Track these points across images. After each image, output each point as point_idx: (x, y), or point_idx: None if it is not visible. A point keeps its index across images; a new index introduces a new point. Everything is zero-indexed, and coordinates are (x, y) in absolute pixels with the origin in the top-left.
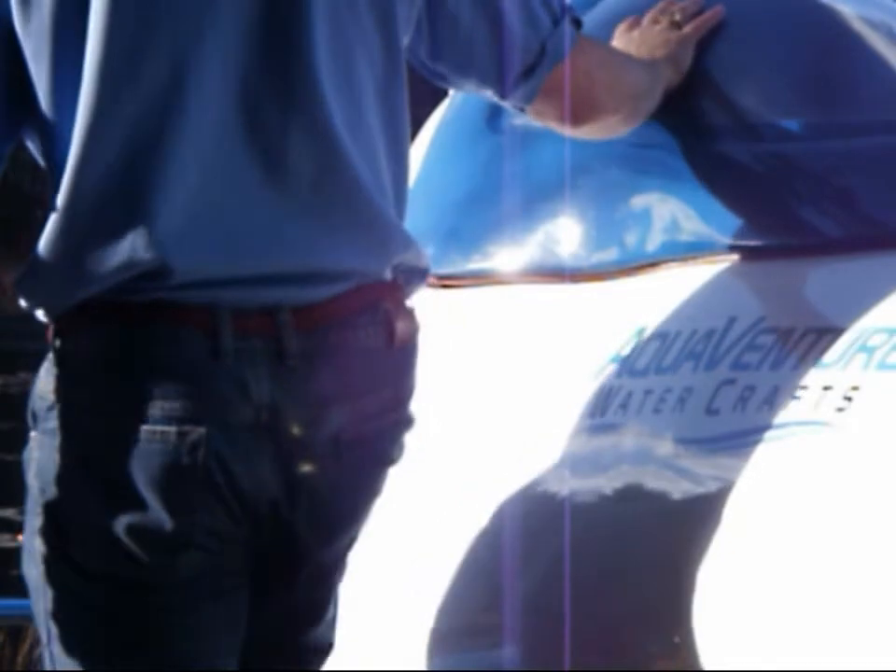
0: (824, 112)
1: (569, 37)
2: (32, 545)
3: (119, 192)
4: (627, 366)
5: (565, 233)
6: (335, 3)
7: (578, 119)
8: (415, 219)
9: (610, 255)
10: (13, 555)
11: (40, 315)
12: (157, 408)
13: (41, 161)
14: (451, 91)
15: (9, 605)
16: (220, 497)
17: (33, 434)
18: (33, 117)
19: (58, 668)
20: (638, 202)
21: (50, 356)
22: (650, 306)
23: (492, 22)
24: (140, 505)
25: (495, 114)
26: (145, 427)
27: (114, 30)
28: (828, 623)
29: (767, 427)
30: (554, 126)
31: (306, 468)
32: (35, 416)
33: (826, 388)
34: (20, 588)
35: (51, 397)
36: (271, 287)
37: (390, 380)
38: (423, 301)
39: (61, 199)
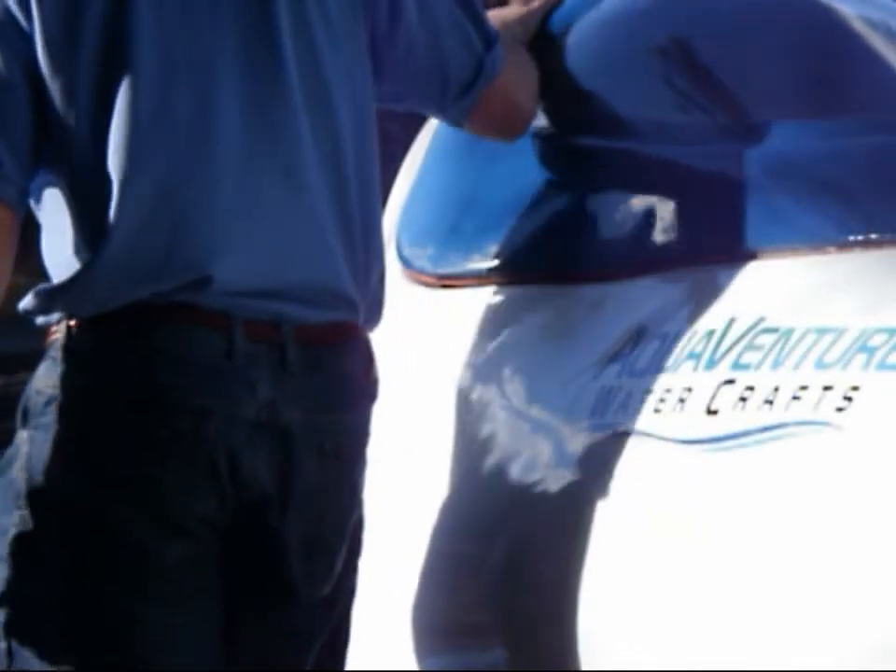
0: (823, 112)
1: (500, 57)
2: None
3: (162, 213)
4: (627, 366)
5: (565, 233)
6: (303, 21)
7: (514, 130)
8: (415, 219)
9: (610, 255)
10: None
11: (54, 318)
12: (172, 398)
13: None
14: None
15: None
16: (219, 486)
17: (21, 433)
18: (55, 152)
19: (18, 666)
20: (639, 202)
21: (55, 352)
22: (650, 306)
23: (433, 44)
24: (141, 492)
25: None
26: (156, 416)
27: (147, 65)
28: (829, 622)
29: (767, 427)
30: (495, 138)
31: (296, 467)
32: (26, 413)
33: (826, 388)
34: None
35: (50, 391)
36: (280, 302)
37: (363, 407)
38: (423, 301)
39: (104, 219)
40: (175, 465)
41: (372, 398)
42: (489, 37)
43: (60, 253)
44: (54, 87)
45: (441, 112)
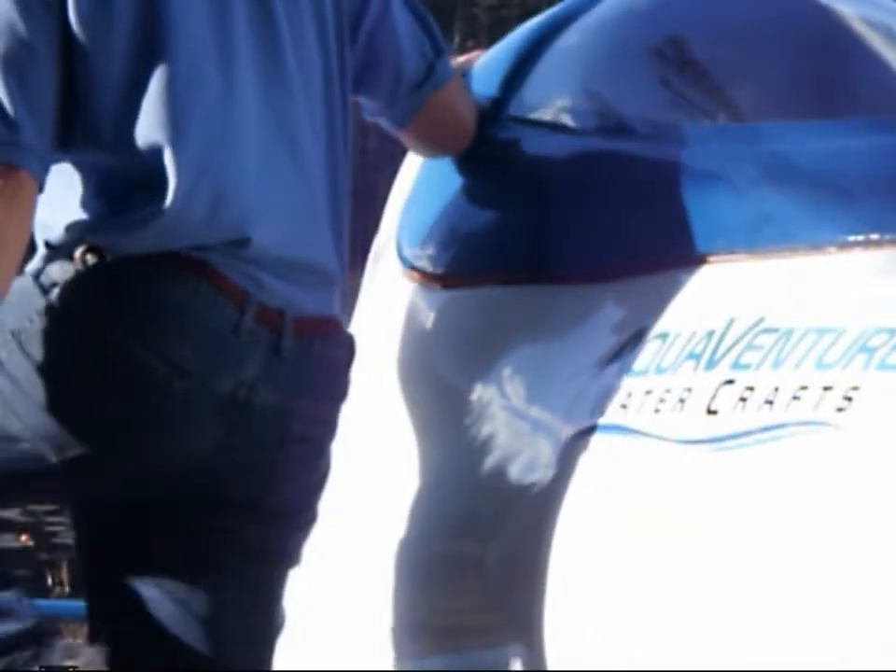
0: (823, 112)
1: (449, 68)
2: None
3: (202, 184)
4: (627, 366)
5: (565, 234)
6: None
7: (453, 144)
8: (416, 219)
9: (610, 255)
10: (15, 555)
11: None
12: (163, 346)
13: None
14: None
15: None
16: (168, 440)
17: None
18: (85, 121)
19: None
20: (640, 202)
21: (56, 277)
22: (650, 306)
23: (391, 39)
24: (102, 430)
25: (495, 114)
26: (141, 356)
27: (180, 42)
28: (829, 622)
29: (767, 427)
30: (428, 152)
31: (257, 444)
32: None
33: (826, 388)
34: (21, 588)
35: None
36: (291, 285)
37: (340, 397)
38: (423, 301)
39: (155, 184)
40: (144, 412)
41: (347, 391)
42: (439, 48)
43: (95, 199)
44: (88, 62)
45: (390, 107)
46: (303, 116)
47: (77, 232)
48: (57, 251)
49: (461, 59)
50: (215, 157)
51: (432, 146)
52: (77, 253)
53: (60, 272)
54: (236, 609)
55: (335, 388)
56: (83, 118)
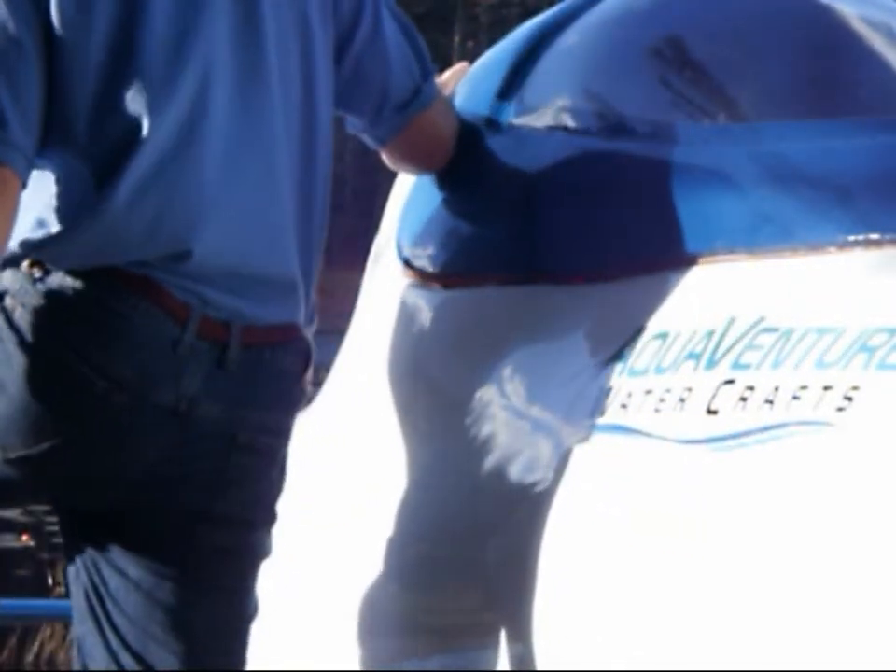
0: (823, 112)
1: (435, 90)
2: None
3: (154, 184)
4: (627, 366)
5: (565, 234)
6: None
7: (431, 162)
8: (416, 219)
9: (611, 255)
10: (16, 556)
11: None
12: (103, 360)
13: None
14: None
15: (13, 605)
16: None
17: None
18: (60, 117)
19: None
20: (639, 202)
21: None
22: (650, 306)
23: (380, 59)
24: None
25: (495, 114)
26: (81, 370)
27: (157, 43)
28: (829, 622)
29: (767, 427)
30: (404, 169)
31: (202, 455)
32: None
33: (826, 388)
34: (23, 588)
35: None
36: (238, 297)
37: (292, 406)
38: (423, 301)
39: (101, 196)
40: (80, 422)
41: (301, 400)
42: (427, 70)
43: (44, 212)
44: (66, 61)
45: (373, 125)
46: (279, 129)
47: (24, 244)
48: (9, 260)
49: (446, 75)
50: (165, 169)
51: (409, 163)
52: (24, 265)
53: (10, 280)
54: (199, 603)
55: (286, 397)
56: (58, 118)
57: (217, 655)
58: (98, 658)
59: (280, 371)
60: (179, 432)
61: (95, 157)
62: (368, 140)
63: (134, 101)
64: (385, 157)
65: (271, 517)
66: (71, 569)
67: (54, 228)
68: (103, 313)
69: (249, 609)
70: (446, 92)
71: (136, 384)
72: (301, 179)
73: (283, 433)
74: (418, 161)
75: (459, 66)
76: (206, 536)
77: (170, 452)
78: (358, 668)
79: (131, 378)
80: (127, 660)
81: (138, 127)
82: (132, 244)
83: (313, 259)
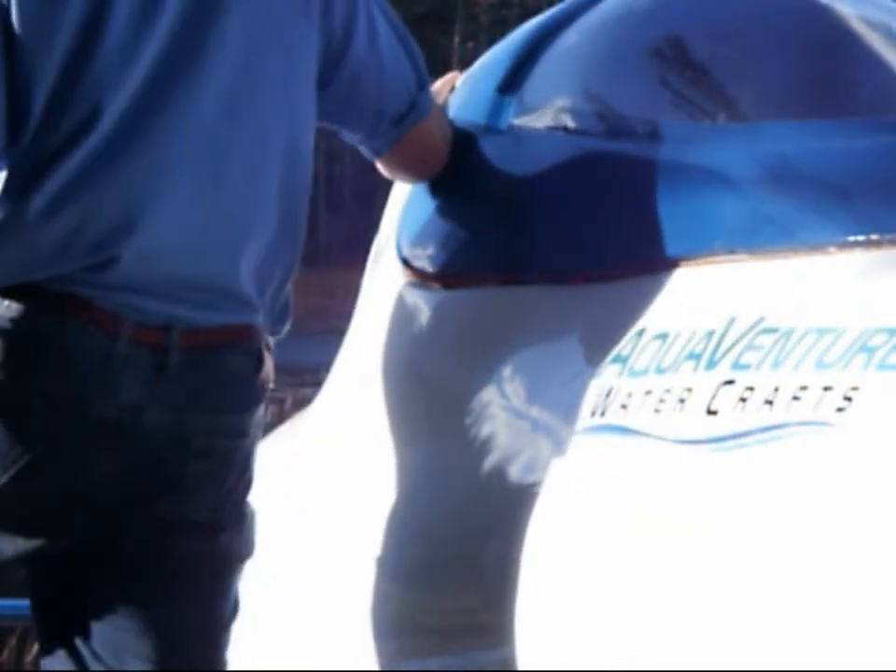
0: (823, 112)
1: (430, 100)
2: None
3: (82, 188)
4: (627, 366)
5: (565, 233)
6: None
7: (425, 171)
8: (416, 219)
9: (611, 256)
10: None
11: None
12: (36, 381)
13: None
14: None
15: (13, 605)
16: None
17: None
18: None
19: None
20: (639, 202)
21: None
22: (650, 306)
23: (376, 75)
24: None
25: (495, 114)
26: (16, 390)
27: (113, 49)
28: (829, 622)
29: (767, 427)
30: (398, 178)
31: (156, 464)
32: None
33: (826, 388)
34: (23, 589)
35: None
36: (172, 303)
37: (247, 408)
38: (423, 301)
39: (19, 210)
40: (20, 443)
41: (259, 400)
42: (422, 80)
43: None
44: (24, 64)
45: (369, 139)
46: (233, 137)
47: None
48: None
49: (437, 83)
50: (93, 177)
51: (404, 173)
52: None
53: None
54: (173, 611)
55: (238, 399)
56: (13, 119)
57: (195, 660)
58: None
59: (228, 372)
60: (129, 444)
61: (25, 167)
62: (363, 151)
63: (80, 108)
64: (379, 166)
65: (238, 517)
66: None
67: None
68: (29, 332)
69: (226, 613)
70: (438, 101)
71: (73, 400)
72: (274, 181)
73: (239, 434)
74: (413, 170)
75: (451, 75)
76: (176, 544)
77: (123, 465)
78: (358, 669)
79: (67, 395)
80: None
81: (73, 135)
82: (50, 258)
83: (277, 260)
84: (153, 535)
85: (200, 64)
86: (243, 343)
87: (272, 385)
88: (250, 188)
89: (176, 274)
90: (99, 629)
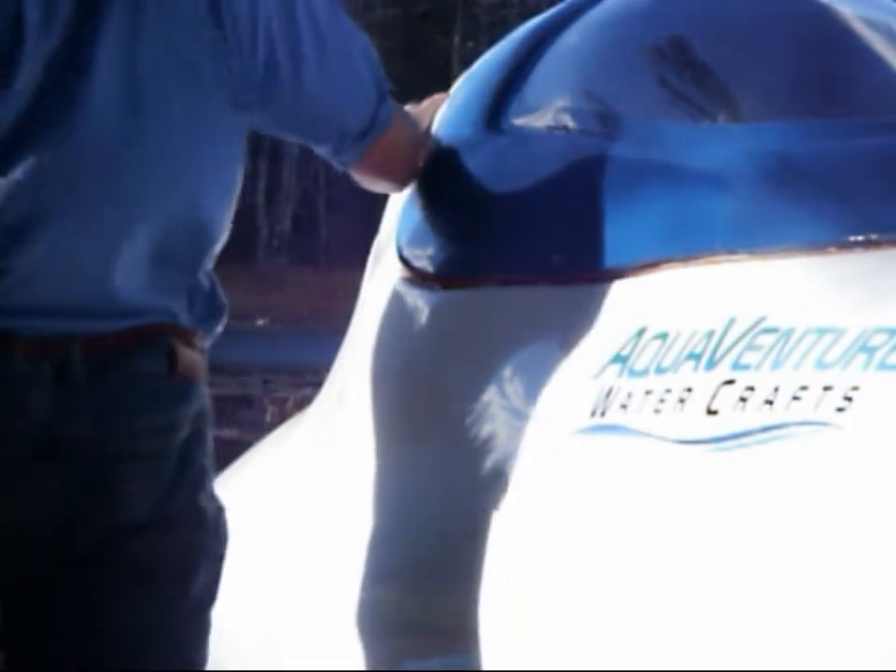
0: (823, 112)
1: (392, 109)
2: None
3: None
4: (627, 366)
5: (565, 233)
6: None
7: (397, 181)
8: (416, 220)
9: (611, 255)
10: None
11: None
12: None
13: None
14: (450, 92)
15: None
16: None
17: None
18: None
19: None
20: (639, 202)
21: None
22: (650, 306)
23: (333, 97)
24: None
25: (495, 115)
26: None
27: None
28: (830, 623)
29: (767, 427)
30: (374, 187)
31: (83, 475)
32: None
33: (826, 388)
34: None
35: None
36: (67, 319)
37: (167, 405)
38: (423, 301)
39: None
40: None
41: (182, 396)
42: (381, 90)
43: None
44: None
45: (335, 155)
46: (116, 159)
47: None
48: None
49: (424, 104)
50: None
51: (377, 182)
52: None
53: None
54: (130, 609)
55: (155, 398)
56: None
57: (160, 660)
58: None
59: (139, 374)
60: (52, 461)
61: None
62: (333, 164)
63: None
64: (354, 177)
65: (194, 514)
66: None
67: None
68: None
69: (188, 610)
70: (423, 124)
71: None
72: (172, 205)
73: (165, 431)
74: (386, 179)
75: (437, 97)
76: (124, 548)
77: (55, 484)
78: (358, 669)
79: None
80: None
81: None
82: None
83: (176, 262)
84: (99, 544)
85: (81, 89)
86: (153, 342)
87: (204, 377)
88: (146, 206)
89: (62, 299)
90: (58, 647)
